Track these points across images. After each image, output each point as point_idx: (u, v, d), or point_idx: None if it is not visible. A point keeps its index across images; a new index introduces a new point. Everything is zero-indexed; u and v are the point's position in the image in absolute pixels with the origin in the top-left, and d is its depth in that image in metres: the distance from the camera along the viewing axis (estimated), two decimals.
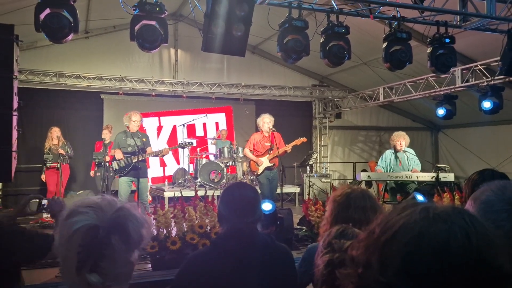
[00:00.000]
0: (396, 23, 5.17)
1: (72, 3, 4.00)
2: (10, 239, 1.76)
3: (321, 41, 4.93)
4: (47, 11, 3.88)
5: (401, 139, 6.86)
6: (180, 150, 9.54)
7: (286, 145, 6.79)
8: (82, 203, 1.18)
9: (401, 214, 0.73)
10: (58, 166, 7.82)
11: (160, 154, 6.69)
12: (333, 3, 5.00)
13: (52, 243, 1.77)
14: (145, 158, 6.42)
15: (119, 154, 6.24)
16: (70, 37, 4.03)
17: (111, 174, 6.51)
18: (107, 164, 6.42)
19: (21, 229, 2.01)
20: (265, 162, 6.66)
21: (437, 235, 0.67)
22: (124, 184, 6.25)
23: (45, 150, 7.97)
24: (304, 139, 7.13)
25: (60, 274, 1.16)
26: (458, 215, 0.70)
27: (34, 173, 8.86)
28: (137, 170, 6.29)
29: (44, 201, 2.28)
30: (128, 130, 6.40)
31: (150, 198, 9.12)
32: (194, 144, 7.87)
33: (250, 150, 6.81)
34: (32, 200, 2.25)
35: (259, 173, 6.70)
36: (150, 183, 9.77)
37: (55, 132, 8.03)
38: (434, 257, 0.66)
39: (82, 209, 1.16)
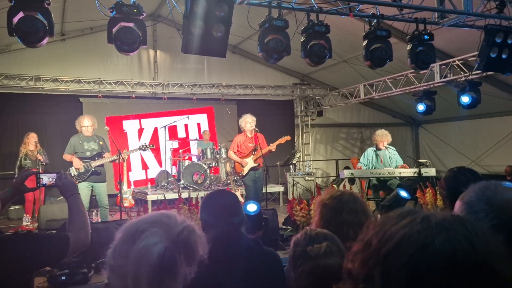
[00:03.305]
0: (375, 21, 5.20)
1: (47, 6, 3.88)
2: (24, 244, 1.70)
3: (301, 40, 4.91)
4: (21, 14, 3.75)
5: (384, 139, 6.93)
6: (162, 152, 9.45)
7: (271, 144, 6.76)
8: (147, 221, 1.18)
9: (399, 223, 0.71)
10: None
11: (117, 159, 6.45)
12: (313, 2, 4.99)
13: (68, 244, 1.72)
14: (103, 163, 6.33)
15: (76, 163, 6.10)
16: (45, 41, 3.91)
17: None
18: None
19: (33, 233, 1.92)
20: (250, 162, 6.63)
21: (443, 246, 0.66)
22: (84, 189, 6.07)
23: (19, 156, 7.75)
24: (288, 137, 7.12)
25: None
26: (459, 223, 0.70)
27: (10, 180, 8.61)
28: (96, 175, 6.20)
29: (45, 177, 2.07)
30: (82, 134, 6.27)
31: (133, 202, 9.01)
32: (154, 147, 7.52)
33: (234, 152, 6.76)
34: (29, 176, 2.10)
35: (244, 174, 6.66)
36: (132, 187, 9.69)
37: (33, 138, 7.83)
38: (442, 267, 0.65)
39: (149, 228, 1.15)
